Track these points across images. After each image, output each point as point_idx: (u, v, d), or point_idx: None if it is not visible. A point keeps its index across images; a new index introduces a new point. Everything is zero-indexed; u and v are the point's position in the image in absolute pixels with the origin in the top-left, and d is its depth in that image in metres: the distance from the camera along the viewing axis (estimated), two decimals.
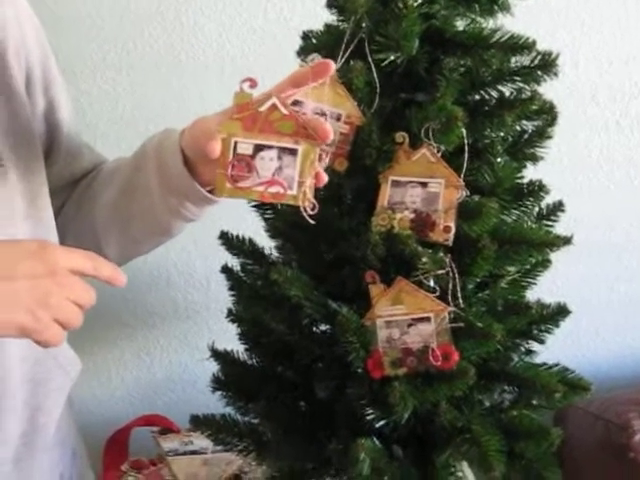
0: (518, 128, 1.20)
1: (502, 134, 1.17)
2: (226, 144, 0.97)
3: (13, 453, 1.14)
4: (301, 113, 1.00)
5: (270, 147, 0.98)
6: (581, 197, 1.97)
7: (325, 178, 1.01)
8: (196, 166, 1.06)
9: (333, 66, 1.03)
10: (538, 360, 1.26)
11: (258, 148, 0.98)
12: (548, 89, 1.18)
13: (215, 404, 1.30)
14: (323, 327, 1.21)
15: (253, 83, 0.98)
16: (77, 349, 1.22)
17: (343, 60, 1.10)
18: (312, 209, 0.98)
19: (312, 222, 0.98)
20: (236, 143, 0.98)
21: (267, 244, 1.29)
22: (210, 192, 1.09)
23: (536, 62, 1.14)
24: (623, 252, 2.07)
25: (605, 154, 2.01)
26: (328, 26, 1.19)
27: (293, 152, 0.98)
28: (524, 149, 1.21)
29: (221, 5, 1.78)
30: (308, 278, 1.15)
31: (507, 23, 1.15)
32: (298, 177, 0.98)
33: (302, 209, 0.98)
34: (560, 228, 1.24)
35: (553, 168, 1.25)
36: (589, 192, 1.98)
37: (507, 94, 1.16)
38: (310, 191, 0.98)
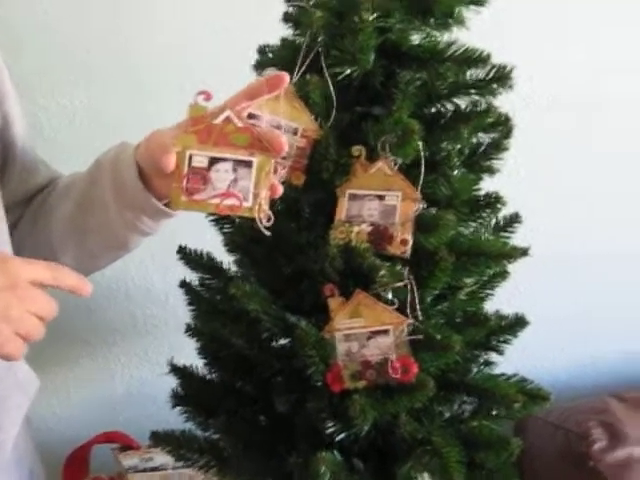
0: (474, 140, 1.21)
1: (458, 146, 1.18)
2: (181, 157, 0.97)
3: None
4: (256, 126, 1.00)
5: (225, 160, 0.98)
6: (538, 208, 1.98)
7: (280, 189, 1.00)
8: (152, 179, 1.06)
9: (287, 78, 1.03)
10: (497, 371, 1.27)
11: (213, 161, 0.98)
12: (504, 101, 1.19)
13: (176, 420, 1.29)
14: (282, 341, 1.21)
15: (208, 96, 0.98)
16: (35, 366, 1.21)
17: (299, 74, 1.10)
18: (267, 220, 0.98)
19: (268, 233, 0.98)
20: (191, 156, 0.97)
21: (225, 259, 1.29)
22: (166, 205, 1.08)
23: (491, 75, 1.15)
24: (581, 263, 2.09)
25: (562, 165, 2.02)
26: (284, 40, 1.19)
27: (248, 164, 0.98)
28: (480, 161, 1.22)
29: (181, 15, 1.77)
30: (266, 292, 1.15)
31: (462, 37, 1.16)
32: (253, 189, 0.97)
33: (258, 220, 0.97)
34: (518, 240, 1.25)
35: (510, 180, 1.26)
36: (546, 203, 2.00)
37: (463, 107, 1.17)
38: (265, 203, 0.98)
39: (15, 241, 1.19)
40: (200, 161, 0.97)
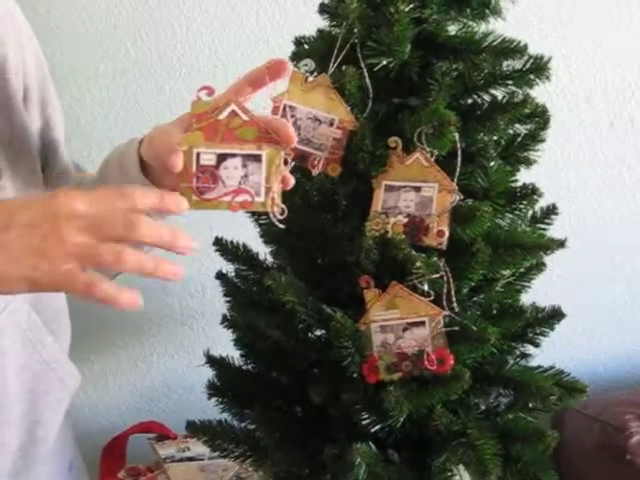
0: (511, 132, 1.20)
1: (495, 138, 1.17)
2: (188, 156, 0.94)
3: (10, 466, 1.14)
4: (290, 116, 0.99)
5: (233, 155, 0.95)
6: (575, 199, 1.97)
7: (292, 181, 0.98)
8: (158, 175, 1.05)
9: (289, 65, 1.00)
10: (533, 363, 1.26)
11: (221, 157, 0.95)
12: (541, 92, 1.18)
13: (212, 410, 1.30)
14: (318, 332, 1.21)
15: (210, 91, 0.96)
16: (72, 358, 1.22)
17: (335, 65, 1.10)
18: (281, 214, 0.96)
19: (282, 226, 0.96)
20: (199, 154, 0.95)
21: (262, 250, 1.29)
22: None
23: (528, 65, 1.14)
24: (617, 253, 2.07)
25: (599, 156, 2.01)
26: (320, 31, 1.19)
27: (257, 158, 0.95)
28: (517, 152, 1.21)
29: (213, 10, 1.78)
30: (302, 284, 1.15)
31: (499, 27, 1.15)
32: (265, 183, 0.95)
33: (271, 215, 0.96)
34: (554, 231, 1.24)
35: (547, 171, 1.25)
36: (583, 194, 1.98)
37: (499, 98, 1.16)
38: (278, 196, 0.96)
39: None
40: (208, 159, 0.95)
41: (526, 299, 1.26)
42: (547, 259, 1.24)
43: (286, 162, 0.97)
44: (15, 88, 1.09)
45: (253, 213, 1.27)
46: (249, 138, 0.96)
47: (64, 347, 1.21)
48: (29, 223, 0.81)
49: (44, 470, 1.21)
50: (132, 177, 1.07)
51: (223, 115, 0.96)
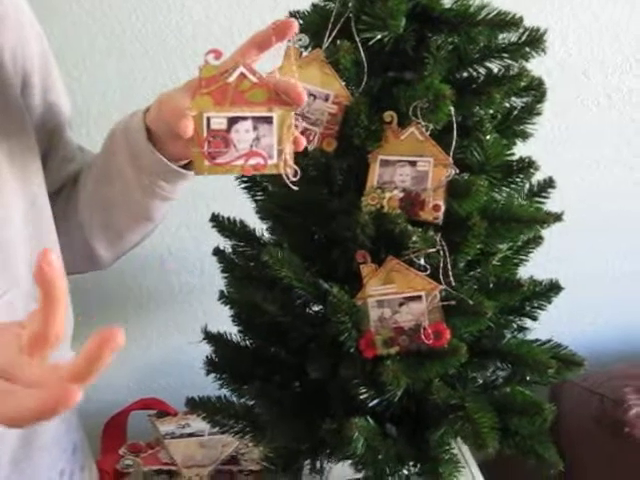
0: (507, 105, 1.20)
1: (491, 111, 1.17)
2: (199, 121, 0.94)
3: (10, 455, 1.13)
4: (272, 77, 0.98)
5: (244, 118, 0.95)
6: (573, 173, 1.97)
7: (304, 142, 0.97)
8: (165, 142, 1.05)
9: (295, 24, 0.98)
10: (532, 337, 1.26)
11: (232, 121, 0.95)
12: (538, 65, 1.18)
13: (212, 387, 1.31)
14: (315, 308, 1.21)
15: (218, 54, 0.95)
16: (73, 335, 1.22)
17: (330, 40, 1.10)
18: (294, 175, 0.96)
19: (295, 188, 0.96)
20: (209, 119, 0.94)
21: (258, 226, 1.29)
22: (186, 167, 1.08)
23: (524, 38, 1.14)
24: (615, 228, 2.07)
25: (596, 129, 2.01)
26: (315, 6, 1.18)
27: (268, 120, 0.95)
28: (513, 126, 1.20)
29: None
30: (299, 259, 1.15)
31: (494, 0, 1.15)
32: (277, 145, 0.95)
33: (285, 176, 0.96)
34: (551, 204, 1.24)
35: (544, 144, 1.25)
36: (580, 168, 1.98)
37: (495, 71, 1.16)
38: (290, 157, 0.96)
39: None
40: (219, 123, 0.94)
41: (524, 273, 1.26)
42: (545, 233, 1.24)
43: (297, 126, 0.97)
44: (11, 75, 1.09)
45: (249, 188, 1.27)
46: (259, 100, 0.95)
47: (67, 333, 1.20)
48: None
49: (46, 456, 1.20)
50: (140, 148, 1.07)
51: (232, 78, 0.95)
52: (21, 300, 1.06)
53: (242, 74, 0.95)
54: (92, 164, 1.20)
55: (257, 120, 0.95)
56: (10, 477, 1.13)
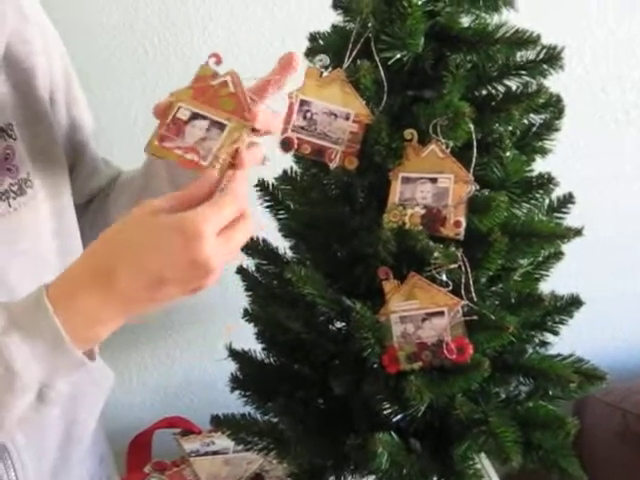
0: (526, 122, 1.21)
1: (510, 128, 1.18)
2: (172, 107, 1.02)
3: (51, 466, 1.15)
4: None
5: (204, 117, 1.01)
6: (592, 189, 1.97)
7: (246, 164, 1.00)
8: None
9: (297, 56, 1.06)
10: (553, 352, 1.27)
11: (194, 116, 1.02)
12: (556, 82, 1.19)
13: (235, 404, 1.31)
14: (338, 324, 1.22)
15: (218, 59, 1.04)
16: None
17: (350, 60, 1.11)
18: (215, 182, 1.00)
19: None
20: (179, 108, 1.02)
21: (281, 244, 1.31)
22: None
23: (541, 56, 1.15)
24: (635, 243, 2.07)
25: (615, 145, 2.01)
26: (335, 27, 1.20)
27: (222, 127, 1.01)
28: (532, 142, 1.21)
29: (228, 9, 1.79)
30: (322, 276, 1.16)
31: (512, 18, 1.16)
32: (216, 150, 1.00)
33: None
34: (571, 220, 1.24)
35: (563, 160, 1.26)
36: (599, 183, 1.98)
37: (514, 88, 1.17)
38: (222, 164, 0.99)
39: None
40: (183, 114, 1.02)
41: (545, 288, 1.27)
42: (566, 248, 1.24)
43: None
44: (43, 95, 1.11)
45: (271, 207, 1.28)
46: (226, 108, 1.02)
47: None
48: (181, 278, 0.92)
49: (81, 469, 1.22)
50: (179, 169, 1.10)
51: (216, 82, 1.03)
52: None
53: (225, 82, 1.03)
54: (127, 182, 1.21)
55: (213, 123, 1.01)
56: None
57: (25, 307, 0.90)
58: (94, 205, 1.26)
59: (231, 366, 1.32)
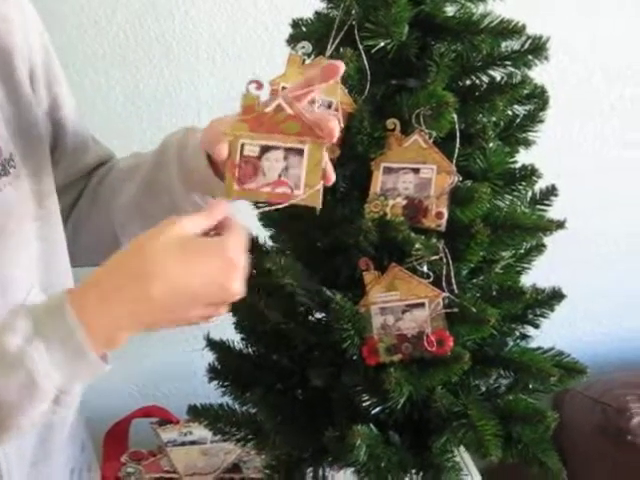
0: (510, 113, 1.20)
1: (494, 119, 1.17)
2: (234, 146, 0.97)
3: (31, 453, 1.14)
4: (309, 111, 1.00)
5: (276, 148, 0.98)
6: (575, 181, 1.96)
7: (333, 177, 1.00)
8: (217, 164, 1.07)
9: (342, 67, 1.00)
10: (534, 345, 1.26)
11: (264, 149, 0.98)
12: (541, 73, 1.18)
13: (214, 394, 1.30)
14: (318, 315, 1.21)
15: (259, 85, 0.98)
16: None
17: (333, 47, 1.10)
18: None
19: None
20: (243, 145, 0.98)
21: (261, 234, 1.29)
22: None
23: (526, 46, 1.14)
24: (618, 236, 2.07)
25: (599, 137, 2.01)
26: (318, 14, 1.19)
27: (299, 152, 0.97)
28: (516, 133, 1.21)
29: None
30: (302, 266, 1.15)
31: (497, 8, 1.15)
32: (304, 176, 0.97)
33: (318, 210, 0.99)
34: (554, 213, 1.24)
35: (546, 152, 1.25)
36: (583, 175, 1.98)
37: (498, 79, 1.16)
38: (319, 192, 0.98)
39: (72, 221, 1.22)
40: (252, 150, 0.97)
41: (527, 281, 1.26)
42: (548, 241, 1.24)
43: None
44: (22, 72, 1.10)
45: None
46: (292, 132, 0.98)
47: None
48: (207, 301, 0.95)
49: (61, 456, 1.21)
50: (194, 166, 1.09)
51: (269, 108, 0.98)
52: (39, 296, 1.08)
53: (279, 105, 0.98)
54: (134, 168, 1.20)
55: (288, 151, 0.98)
56: (29, 477, 1.14)
57: (50, 313, 0.90)
58: (92, 185, 1.24)
59: (210, 356, 1.31)
